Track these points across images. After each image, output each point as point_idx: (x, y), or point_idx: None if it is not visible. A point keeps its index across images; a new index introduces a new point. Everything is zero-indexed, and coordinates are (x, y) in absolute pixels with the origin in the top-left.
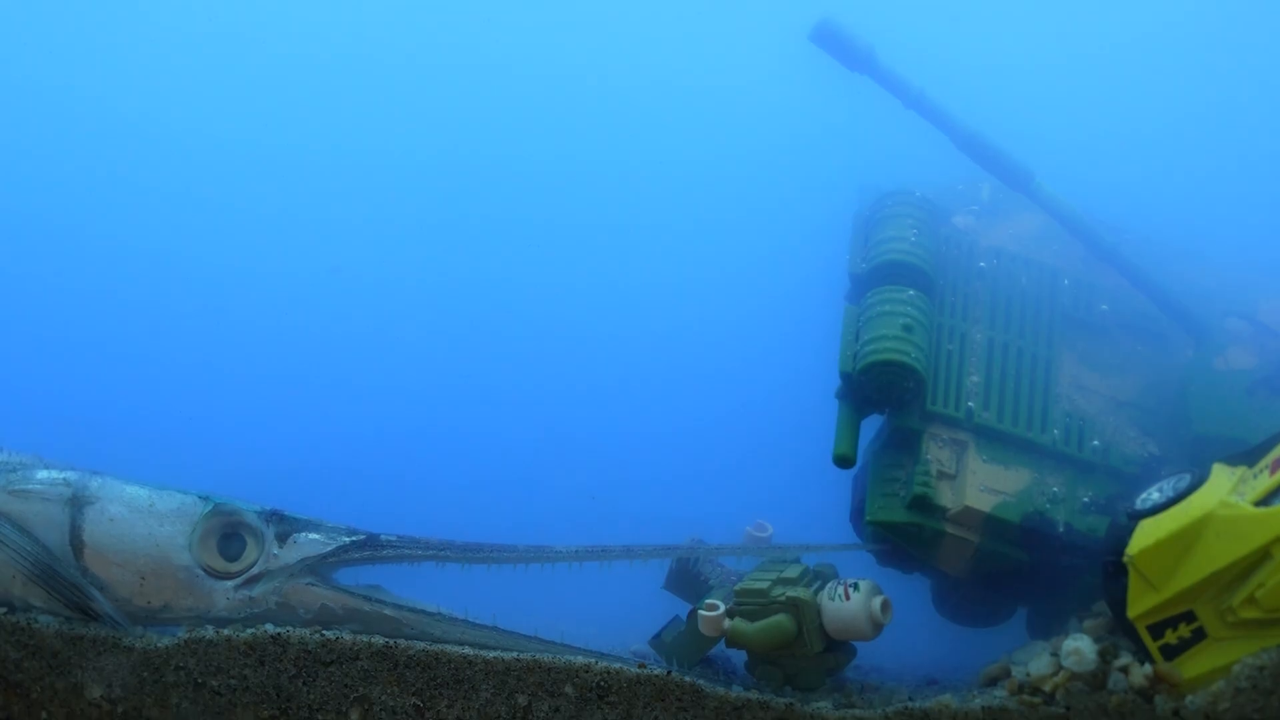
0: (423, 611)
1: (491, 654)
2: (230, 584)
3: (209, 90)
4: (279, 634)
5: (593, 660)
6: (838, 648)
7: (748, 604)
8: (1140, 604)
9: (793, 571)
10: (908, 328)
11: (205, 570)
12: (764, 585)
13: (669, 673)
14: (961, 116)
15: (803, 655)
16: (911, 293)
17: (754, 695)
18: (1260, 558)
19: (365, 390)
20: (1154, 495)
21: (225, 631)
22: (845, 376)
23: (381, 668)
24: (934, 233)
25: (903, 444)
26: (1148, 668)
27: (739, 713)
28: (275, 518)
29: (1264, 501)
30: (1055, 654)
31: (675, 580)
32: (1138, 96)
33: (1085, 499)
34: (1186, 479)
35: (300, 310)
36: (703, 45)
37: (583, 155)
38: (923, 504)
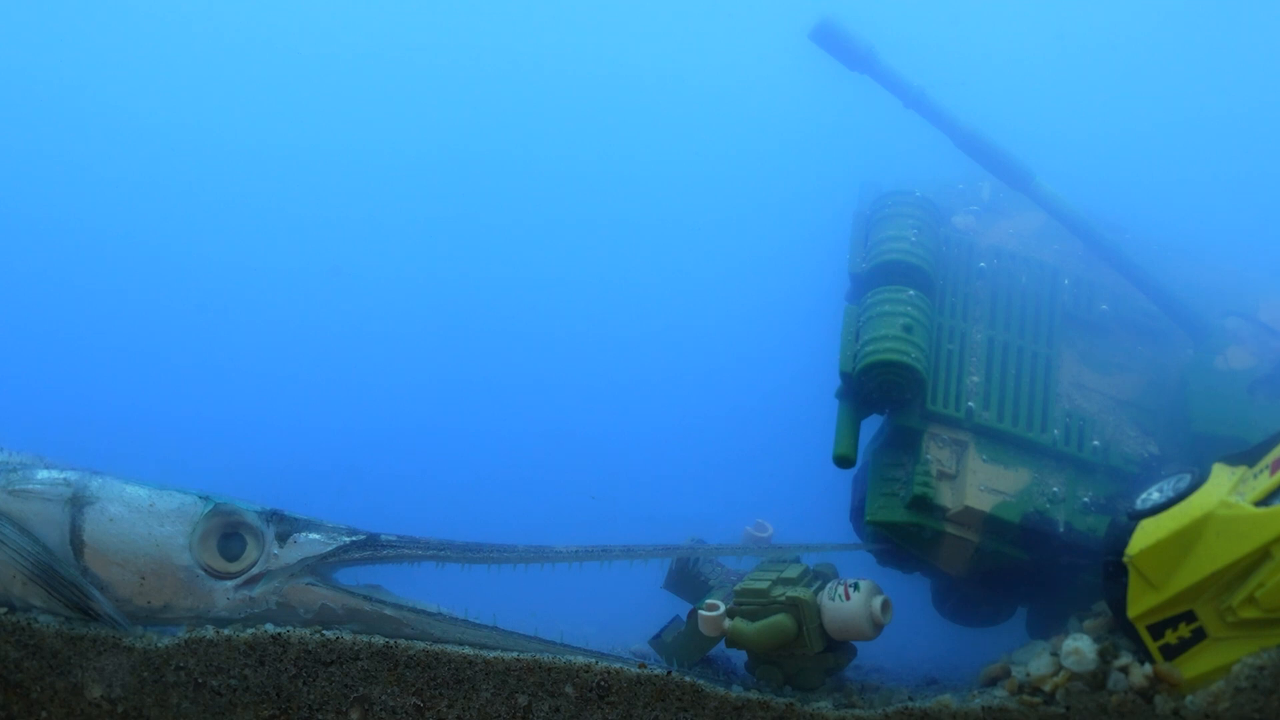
0: (423, 611)
1: (491, 654)
2: (230, 584)
3: (209, 89)
4: (279, 634)
5: (593, 660)
6: (838, 648)
7: (748, 604)
8: (1140, 604)
9: (793, 571)
10: (908, 328)
11: (205, 570)
12: (764, 585)
13: (669, 673)
14: (961, 116)
15: (803, 655)
16: (911, 293)
17: (754, 695)
18: (1260, 557)
19: (365, 389)
20: (1154, 495)
21: (225, 631)
22: (845, 376)
23: (381, 668)
24: (934, 232)
25: (903, 444)
26: (1148, 667)
27: (739, 713)
28: (275, 518)
29: (1264, 501)
30: (1055, 654)
31: (675, 580)
32: (1138, 95)
33: (1085, 499)
34: (1186, 479)
35: (301, 310)
36: (703, 44)
37: (583, 155)
38: (923, 504)
